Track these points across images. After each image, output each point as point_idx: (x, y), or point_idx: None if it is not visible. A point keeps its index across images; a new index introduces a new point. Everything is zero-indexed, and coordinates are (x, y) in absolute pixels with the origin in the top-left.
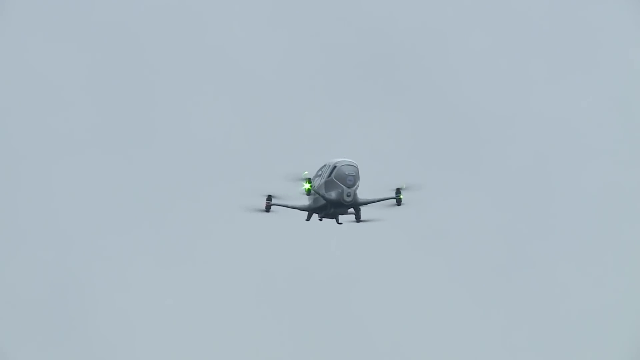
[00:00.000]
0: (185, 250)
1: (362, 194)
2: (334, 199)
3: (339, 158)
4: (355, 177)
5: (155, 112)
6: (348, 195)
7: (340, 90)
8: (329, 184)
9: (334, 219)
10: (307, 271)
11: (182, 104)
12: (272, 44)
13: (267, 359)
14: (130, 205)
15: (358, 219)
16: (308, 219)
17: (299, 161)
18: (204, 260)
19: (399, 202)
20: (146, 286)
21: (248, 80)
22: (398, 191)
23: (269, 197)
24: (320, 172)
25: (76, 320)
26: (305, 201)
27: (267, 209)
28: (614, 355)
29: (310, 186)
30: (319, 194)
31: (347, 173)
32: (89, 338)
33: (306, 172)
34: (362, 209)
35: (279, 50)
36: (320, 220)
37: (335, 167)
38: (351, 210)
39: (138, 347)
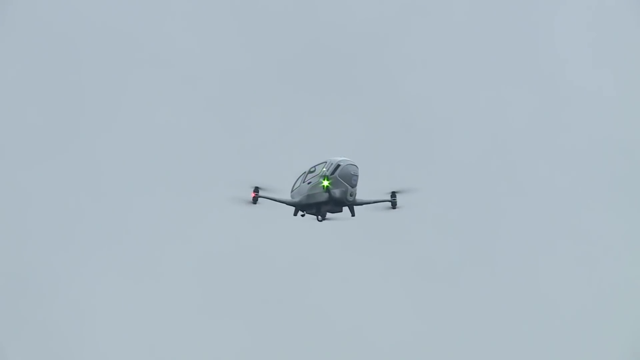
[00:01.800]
0: (165, 242)
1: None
2: (337, 198)
3: (340, 157)
4: (358, 177)
5: (118, 111)
6: (351, 195)
7: (290, 90)
8: (331, 183)
9: (315, 216)
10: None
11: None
12: (225, 44)
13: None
14: (106, 198)
15: (323, 217)
16: (295, 214)
17: (251, 161)
18: (181, 253)
19: (394, 205)
20: (118, 280)
21: (198, 80)
22: (393, 194)
23: (256, 189)
24: (313, 169)
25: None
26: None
27: (254, 200)
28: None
29: (330, 183)
30: (330, 192)
31: (352, 173)
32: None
33: (324, 169)
34: (357, 209)
35: (230, 50)
36: (302, 216)
37: (339, 165)
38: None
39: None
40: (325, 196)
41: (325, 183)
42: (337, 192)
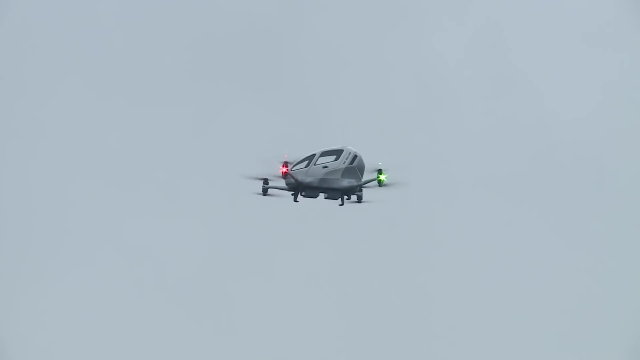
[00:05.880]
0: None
1: None
2: (353, 187)
3: (350, 145)
4: None
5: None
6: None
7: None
8: (349, 171)
9: (293, 197)
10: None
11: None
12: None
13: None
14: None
15: (296, 199)
16: (296, 198)
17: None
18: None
19: (359, 199)
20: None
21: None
22: (379, 172)
23: (266, 181)
24: (322, 153)
25: None
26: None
27: (264, 192)
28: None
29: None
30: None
31: (365, 166)
32: None
33: (380, 163)
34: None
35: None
36: (295, 196)
37: (356, 156)
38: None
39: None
40: (342, 184)
41: (382, 177)
42: (356, 182)
